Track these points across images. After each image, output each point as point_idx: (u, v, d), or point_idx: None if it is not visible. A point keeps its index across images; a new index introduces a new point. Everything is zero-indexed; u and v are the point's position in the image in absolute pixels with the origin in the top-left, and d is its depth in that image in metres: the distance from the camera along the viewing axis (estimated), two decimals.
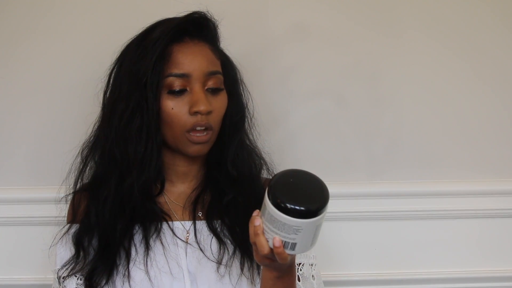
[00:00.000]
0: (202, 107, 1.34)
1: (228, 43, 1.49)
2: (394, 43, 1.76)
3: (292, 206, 1.15)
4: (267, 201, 1.17)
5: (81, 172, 1.44)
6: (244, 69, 1.50)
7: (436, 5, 1.76)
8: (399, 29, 1.76)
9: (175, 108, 1.36)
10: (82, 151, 1.44)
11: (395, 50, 1.76)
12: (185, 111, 1.36)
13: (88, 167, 1.44)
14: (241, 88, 1.48)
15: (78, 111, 1.67)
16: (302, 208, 1.15)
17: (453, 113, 1.77)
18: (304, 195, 1.17)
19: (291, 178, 1.20)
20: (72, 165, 1.46)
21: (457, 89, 1.77)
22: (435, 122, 1.77)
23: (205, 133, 1.36)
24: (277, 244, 1.16)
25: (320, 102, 1.76)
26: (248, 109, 1.48)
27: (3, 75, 1.73)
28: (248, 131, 1.48)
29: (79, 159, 1.45)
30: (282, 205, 1.15)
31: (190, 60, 1.37)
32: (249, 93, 1.49)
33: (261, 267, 1.30)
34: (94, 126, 1.46)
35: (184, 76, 1.36)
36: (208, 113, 1.35)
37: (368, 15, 1.76)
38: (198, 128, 1.36)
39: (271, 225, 1.17)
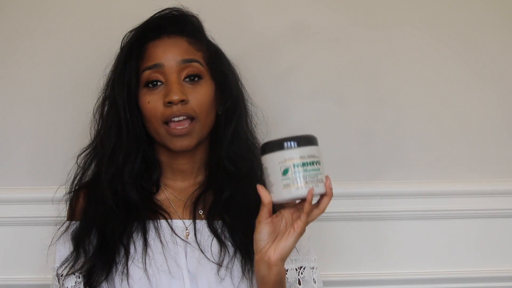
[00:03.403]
0: (174, 97, 1.34)
1: (228, 44, 1.49)
2: (394, 43, 1.76)
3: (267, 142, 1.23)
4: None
5: (83, 169, 1.44)
6: (244, 69, 1.50)
7: (436, 5, 1.77)
8: (399, 29, 1.76)
9: (151, 102, 1.36)
10: (83, 151, 1.45)
11: (395, 50, 1.76)
12: (160, 103, 1.36)
13: (89, 168, 1.44)
14: (234, 80, 1.45)
15: (78, 111, 1.66)
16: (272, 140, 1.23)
17: (453, 113, 1.77)
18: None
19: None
20: (74, 164, 1.46)
21: (457, 89, 1.77)
22: (435, 122, 1.77)
23: (186, 125, 1.35)
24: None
25: (320, 102, 1.76)
26: (244, 102, 1.46)
27: (3, 75, 1.73)
28: (252, 129, 1.48)
29: (79, 159, 1.45)
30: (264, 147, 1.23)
31: (162, 51, 1.38)
32: (244, 86, 1.48)
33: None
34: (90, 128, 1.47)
35: (157, 67, 1.36)
36: (183, 102, 1.35)
37: (368, 15, 1.76)
38: (175, 119, 1.35)
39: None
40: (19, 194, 1.72)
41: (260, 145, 1.28)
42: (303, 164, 1.21)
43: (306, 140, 1.23)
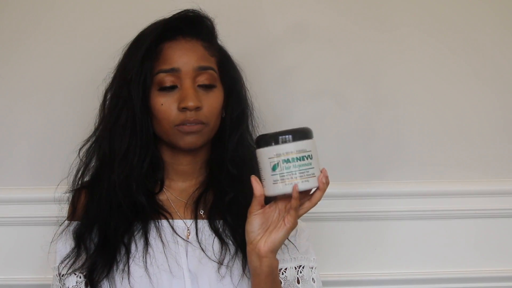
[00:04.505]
0: (190, 103, 1.34)
1: (229, 44, 1.49)
2: (394, 43, 1.76)
3: (262, 136, 1.23)
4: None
5: (84, 168, 1.44)
6: (244, 69, 1.49)
7: (436, 5, 1.77)
8: (399, 29, 1.76)
9: (164, 104, 1.36)
10: (83, 147, 1.45)
11: (395, 50, 1.77)
12: (174, 107, 1.36)
13: (90, 164, 1.44)
14: (241, 86, 1.46)
15: (79, 110, 1.67)
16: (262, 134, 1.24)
17: (453, 113, 1.78)
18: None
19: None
20: (74, 162, 1.46)
21: (457, 89, 1.78)
22: (435, 122, 1.77)
23: (196, 124, 1.36)
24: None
25: (320, 102, 1.76)
26: (249, 108, 1.48)
27: (3, 75, 1.73)
28: (251, 131, 1.48)
29: (80, 155, 1.45)
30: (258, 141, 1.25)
31: (179, 55, 1.37)
32: (249, 92, 1.49)
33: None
34: (94, 124, 1.46)
35: (173, 71, 1.36)
36: (197, 109, 1.35)
37: (368, 15, 1.76)
38: (188, 124, 1.36)
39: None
40: (20, 194, 1.72)
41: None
42: (292, 160, 1.22)
43: (297, 135, 1.23)
